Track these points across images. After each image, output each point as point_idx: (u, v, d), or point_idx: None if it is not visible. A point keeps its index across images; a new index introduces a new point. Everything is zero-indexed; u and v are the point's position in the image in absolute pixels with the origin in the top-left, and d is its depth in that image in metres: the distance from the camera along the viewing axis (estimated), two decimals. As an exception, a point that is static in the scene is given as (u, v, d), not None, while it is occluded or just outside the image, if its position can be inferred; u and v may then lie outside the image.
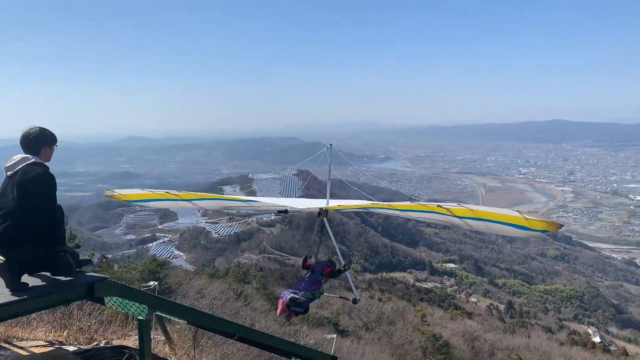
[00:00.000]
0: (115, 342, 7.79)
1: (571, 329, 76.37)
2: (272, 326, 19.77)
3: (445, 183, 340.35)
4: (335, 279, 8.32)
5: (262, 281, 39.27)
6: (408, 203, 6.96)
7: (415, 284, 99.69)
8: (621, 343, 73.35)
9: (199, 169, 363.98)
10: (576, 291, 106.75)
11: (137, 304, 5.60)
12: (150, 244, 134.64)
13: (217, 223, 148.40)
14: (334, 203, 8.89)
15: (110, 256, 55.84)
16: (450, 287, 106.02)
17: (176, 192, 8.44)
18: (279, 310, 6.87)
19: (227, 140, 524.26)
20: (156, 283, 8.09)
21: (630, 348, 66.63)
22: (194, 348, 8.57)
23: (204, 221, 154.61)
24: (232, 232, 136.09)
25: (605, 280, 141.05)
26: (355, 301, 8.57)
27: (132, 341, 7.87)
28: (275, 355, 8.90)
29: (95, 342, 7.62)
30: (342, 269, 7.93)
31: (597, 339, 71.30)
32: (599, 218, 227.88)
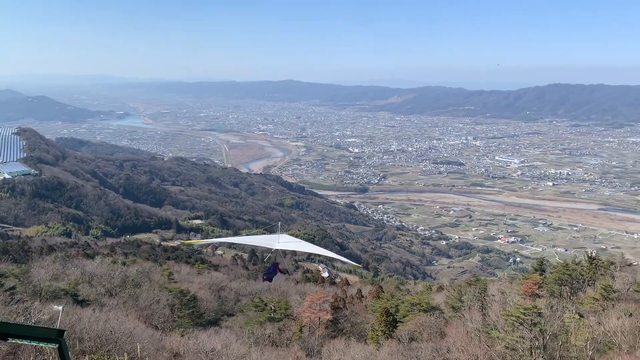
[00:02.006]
0: None
1: (305, 268, 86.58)
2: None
3: (190, 140, 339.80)
4: (282, 273, 17.32)
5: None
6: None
7: (162, 243, 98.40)
8: (344, 275, 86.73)
9: None
10: (309, 234, 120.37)
11: None
12: None
13: None
14: (283, 240, 16.05)
15: None
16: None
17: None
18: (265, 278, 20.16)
19: None
20: None
21: (351, 278, 79.53)
22: None
23: None
24: None
25: (332, 222, 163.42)
26: (287, 272, 21.81)
27: None
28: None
29: None
30: (287, 271, 22.29)
31: (325, 274, 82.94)
32: (326, 169, 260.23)
